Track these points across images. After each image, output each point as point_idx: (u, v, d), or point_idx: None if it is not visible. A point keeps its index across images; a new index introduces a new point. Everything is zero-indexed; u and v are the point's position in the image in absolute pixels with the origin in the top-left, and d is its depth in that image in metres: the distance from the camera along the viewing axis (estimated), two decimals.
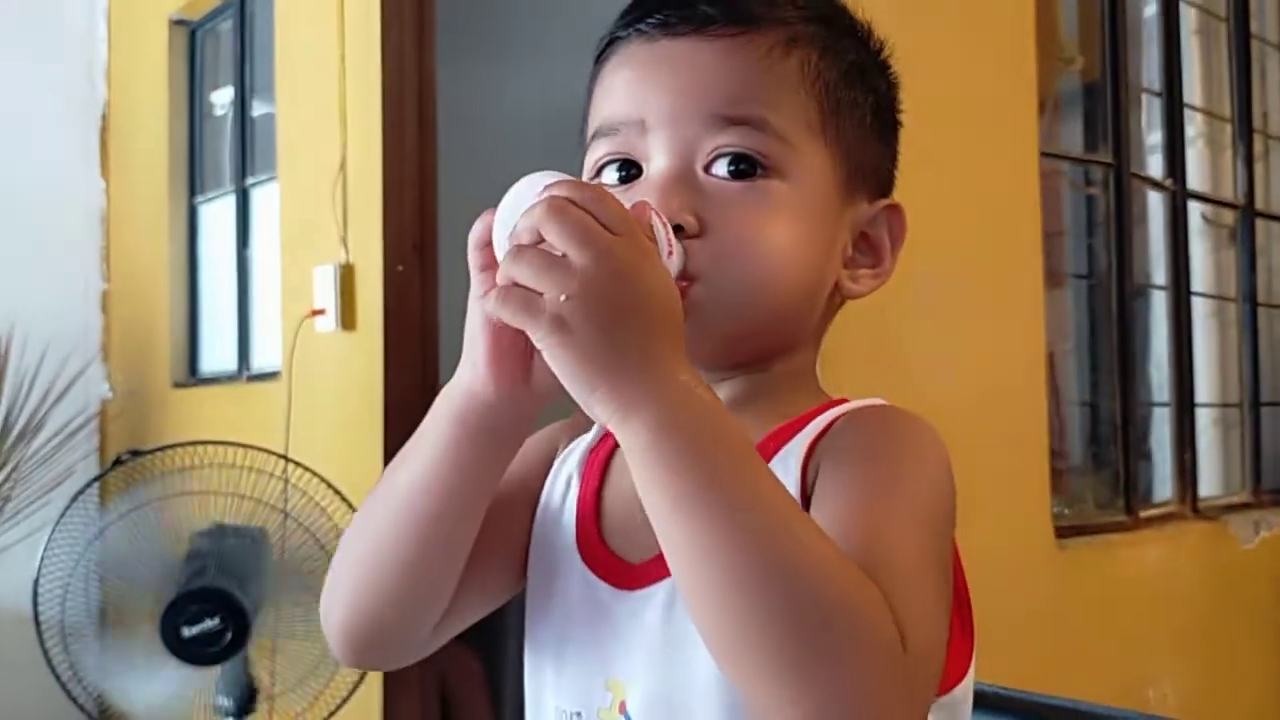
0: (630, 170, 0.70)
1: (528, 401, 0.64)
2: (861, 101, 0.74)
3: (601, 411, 0.57)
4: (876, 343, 2.02)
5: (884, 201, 0.75)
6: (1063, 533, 2.59)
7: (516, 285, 0.57)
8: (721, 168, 0.68)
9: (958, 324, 2.23)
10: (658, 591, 0.66)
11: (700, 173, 0.69)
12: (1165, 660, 2.80)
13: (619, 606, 0.68)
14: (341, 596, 0.70)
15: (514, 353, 0.62)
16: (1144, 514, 2.98)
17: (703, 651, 0.58)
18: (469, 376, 0.64)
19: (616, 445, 0.72)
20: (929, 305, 2.14)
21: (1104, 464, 3.09)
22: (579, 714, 0.69)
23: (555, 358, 0.56)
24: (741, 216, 0.68)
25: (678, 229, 0.66)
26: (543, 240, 0.57)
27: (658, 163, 0.69)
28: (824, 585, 0.54)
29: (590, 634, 0.69)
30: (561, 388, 0.58)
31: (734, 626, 0.54)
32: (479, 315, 0.62)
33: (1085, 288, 3.29)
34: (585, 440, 0.77)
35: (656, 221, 0.63)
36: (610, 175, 0.71)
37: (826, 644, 0.53)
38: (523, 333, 0.57)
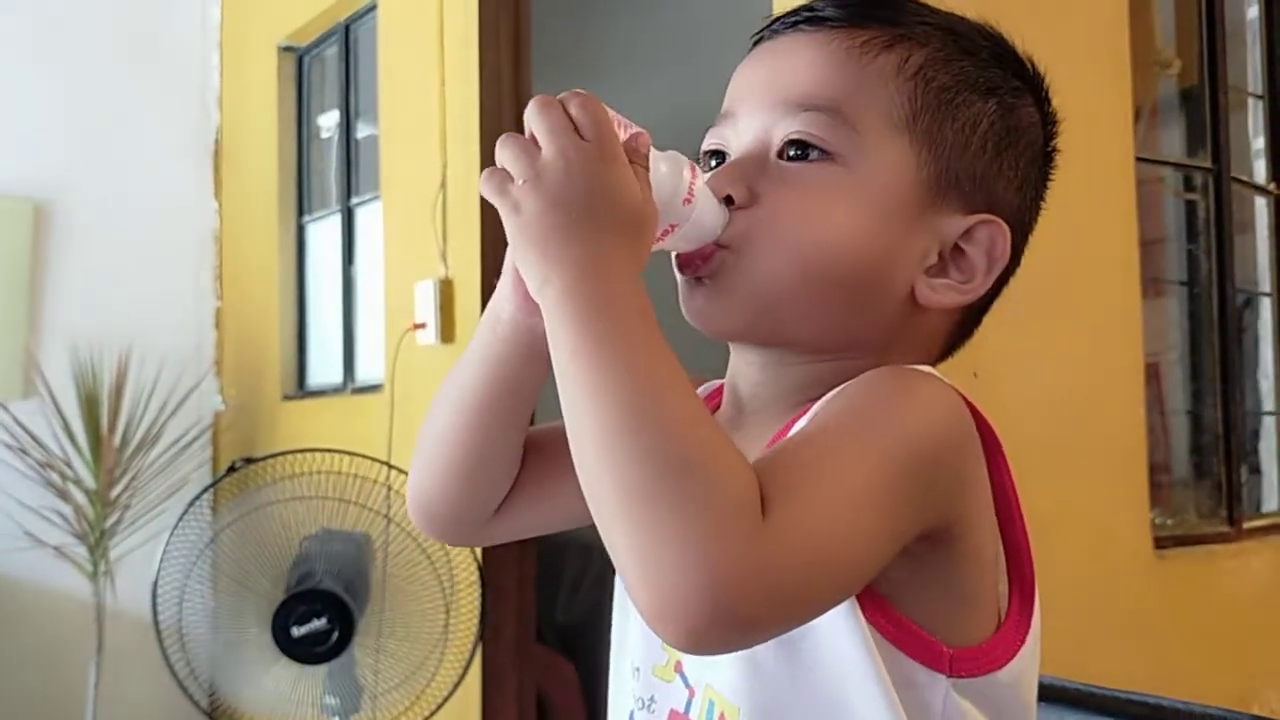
0: (723, 160, 0.74)
1: (537, 318, 0.68)
2: (977, 112, 0.72)
3: (531, 282, 0.62)
4: (963, 351, 2.03)
5: (980, 216, 0.71)
6: (1162, 543, 2.54)
7: (498, 168, 0.64)
8: (792, 152, 0.71)
9: (1049, 333, 2.21)
10: None
11: (773, 158, 0.72)
12: (1272, 672, 2.73)
13: None
14: (414, 473, 0.80)
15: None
16: (1248, 525, 2.91)
17: None
18: (496, 295, 0.73)
19: (713, 409, 0.77)
20: (1019, 314, 2.13)
21: (1206, 474, 3.03)
22: (639, 669, 0.73)
23: (508, 233, 0.63)
24: (788, 194, 0.70)
25: (727, 200, 0.70)
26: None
27: (734, 149, 0.73)
28: (679, 441, 0.55)
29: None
30: None
31: (595, 474, 0.57)
32: None
33: (1187, 296, 3.23)
34: (703, 390, 0.81)
35: (659, 154, 0.67)
36: (712, 165, 0.75)
37: (669, 491, 0.54)
38: None
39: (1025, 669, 0.68)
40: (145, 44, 3.87)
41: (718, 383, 0.80)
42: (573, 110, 0.64)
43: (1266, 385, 3.33)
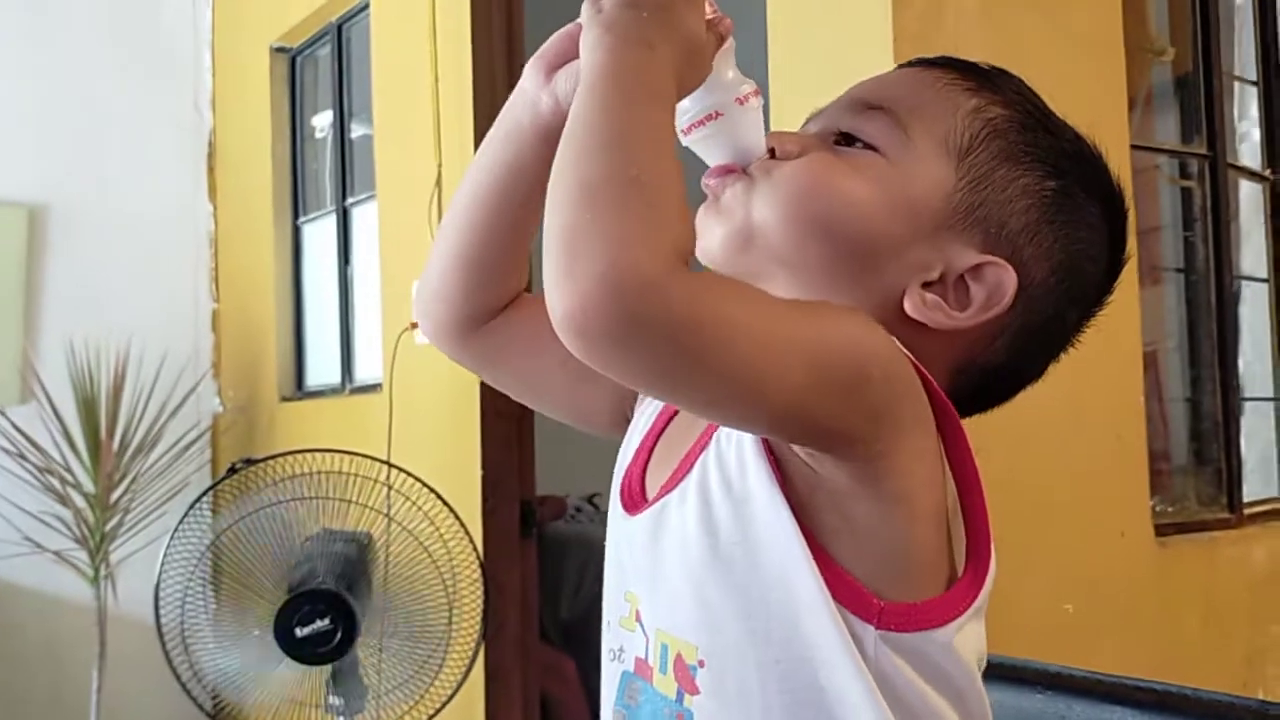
0: None
1: (547, 100, 0.76)
2: (1036, 179, 0.73)
3: (584, 51, 0.66)
4: None
5: (994, 257, 0.72)
6: (1163, 530, 2.55)
7: None
8: (842, 138, 0.75)
9: None
10: (646, 518, 0.74)
11: (829, 141, 0.75)
12: (1274, 657, 2.74)
13: (625, 529, 0.77)
14: (424, 272, 0.85)
15: (558, 60, 0.76)
16: (1248, 510, 2.92)
17: (675, 569, 0.69)
18: (519, 85, 0.79)
19: None
20: None
21: (1206, 461, 3.03)
22: (610, 623, 0.77)
23: (584, 25, 0.68)
24: (821, 155, 0.73)
25: (771, 152, 0.74)
26: None
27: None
28: (651, 174, 0.61)
29: (620, 553, 0.77)
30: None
31: (564, 165, 0.62)
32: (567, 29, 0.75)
33: (1184, 283, 3.23)
34: None
35: (731, 61, 0.72)
36: None
37: (622, 197, 0.60)
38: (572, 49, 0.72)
39: (966, 640, 0.68)
40: (138, 47, 3.86)
41: None
42: None
43: (1260, 370, 3.34)
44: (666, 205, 0.61)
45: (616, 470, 0.81)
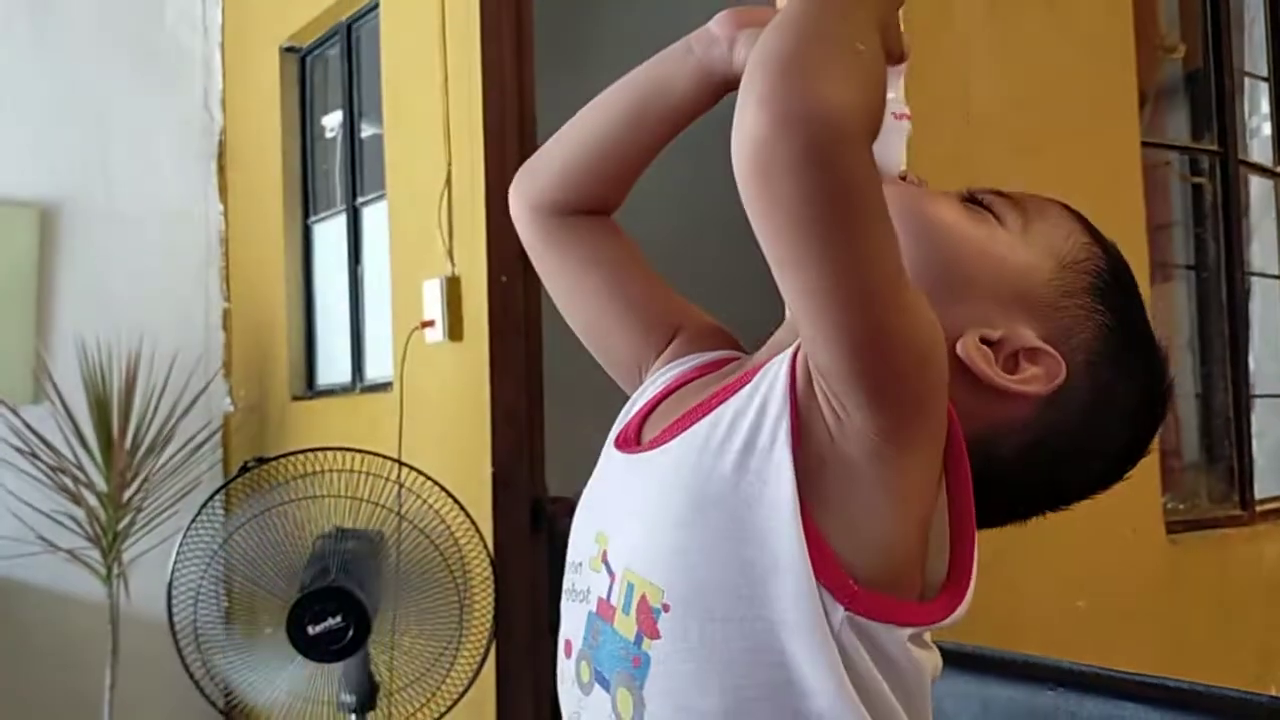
0: None
1: (722, 47, 0.79)
2: (1113, 326, 0.77)
3: None
4: None
5: (1054, 350, 0.75)
6: (1174, 527, 2.54)
7: None
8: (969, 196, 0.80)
9: None
10: (637, 457, 0.76)
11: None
12: None
13: (611, 466, 0.79)
14: (547, 145, 0.88)
15: (751, 21, 0.78)
16: (1260, 507, 2.91)
17: (656, 507, 0.70)
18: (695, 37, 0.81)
19: (704, 371, 0.83)
20: None
21: (1218, 458, 3.03)
22: (579, 564, 0.78)
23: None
24: (946, 194, 0.79)
25: (902, 176, 0.78)
26: None
27: None
28: (869, 50, 0.65)
29: (596, 492, 0.80)
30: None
31: (795, 19, 0.64)
32: None
33: (1195, 280, 3.22)
34: (698, 360, 0.85)
35: (899, 82, 0.77)
36: None
37: (834, 59, 0.63)
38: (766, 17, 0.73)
39: (921, 655, 0.70)
40: (148, 47, 3.88)
41: (733, 354, 0.85)
42: None
43: (1272, 366, 3.33)
44: (879, 89, 0.65)
45: (616, 423, 0.83)
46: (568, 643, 0.78)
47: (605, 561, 0.74)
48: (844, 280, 0.62)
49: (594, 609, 0.74)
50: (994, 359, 0.74)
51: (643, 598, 0.70)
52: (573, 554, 0.79)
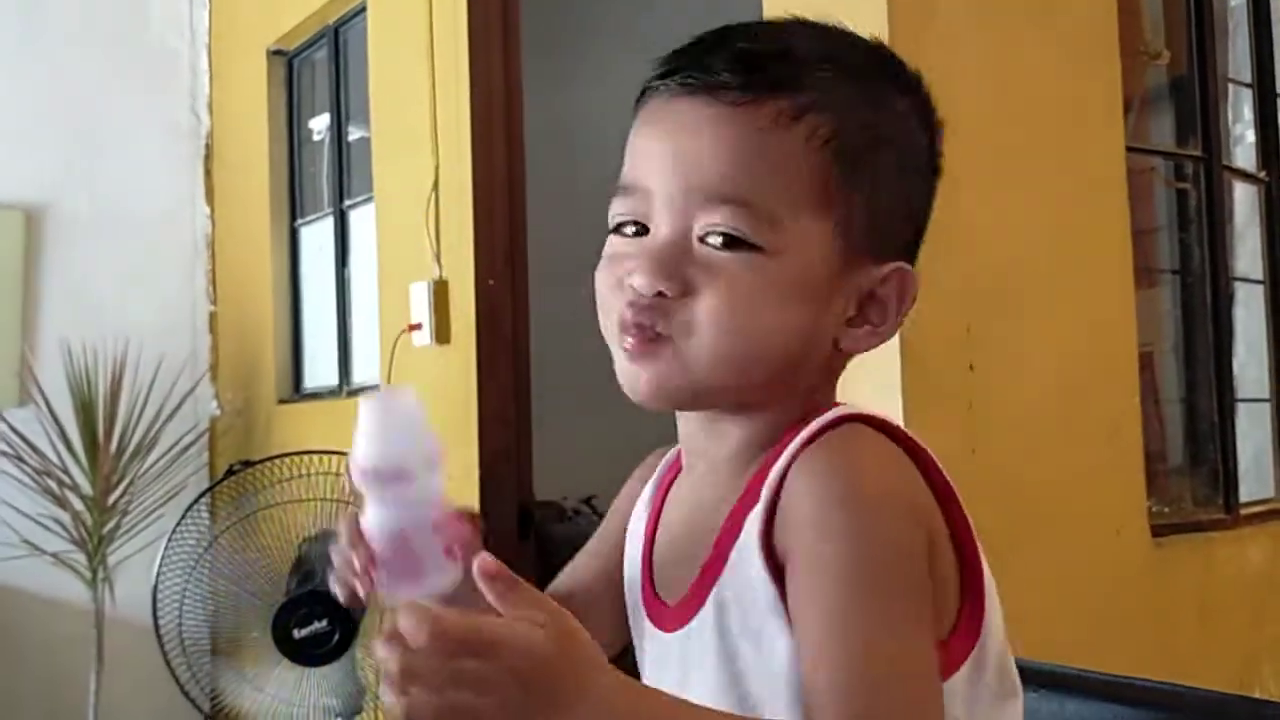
0: (642, 229, 0.76)
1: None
2: (885, 163, 0.75)
3: None
4: (958, 345, 2.04)
5: (891, 265, 0.75)
6: (1158, 530, 2.55)
7: None
8: (715, 240, 0.73)
9: (1044, 325, 2.22)
10: (675, 640, 0.78)
11: (696, 243, 0.74)
12: (1270, 656, 2.74)
13: (658, 647, 0.80)
14: None
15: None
16: (1244, 511, 2.92)
17: (705, 693, 0.72)
18: None
19: (677, 474, 0.84)
20: (1012, 305, 2.14)
21: (1202, 462, 3.04)
22: None
23: None
24: (719, 286, 0.72)
25: (659, 294, 0.73)
26: None
27: (659, 230, 0.75)
28: None
29: (649, 669, 0.82)
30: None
31: None
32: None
33: (1180, 285, 3.24)
34: (665, 461, 0.87)
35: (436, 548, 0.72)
36: (627, 231, 0.77)
37: None
38: None
39: (969, 669, 0.71)
40: (135, 50, 3.87)
41: (675, 448, 0.86)
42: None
43: (1255, 371, 3.34)
44: None
45: (630, 578, 0.85)
46: None
47: None
48: None
49: None
50: (869, 320, 0.76)
51: None
52: None
